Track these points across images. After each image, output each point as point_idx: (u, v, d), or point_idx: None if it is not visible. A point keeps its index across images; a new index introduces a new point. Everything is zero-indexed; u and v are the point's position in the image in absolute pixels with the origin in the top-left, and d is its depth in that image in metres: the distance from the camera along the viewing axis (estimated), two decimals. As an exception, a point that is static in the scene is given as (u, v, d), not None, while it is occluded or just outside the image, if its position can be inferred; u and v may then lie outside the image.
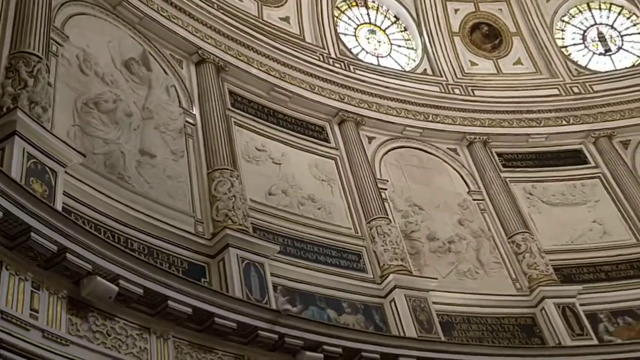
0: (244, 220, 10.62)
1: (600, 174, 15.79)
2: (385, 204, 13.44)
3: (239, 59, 13.46)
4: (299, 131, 13.70)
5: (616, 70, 17.97)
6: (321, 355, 9.31)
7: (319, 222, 12.19)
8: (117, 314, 7.87)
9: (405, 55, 17.74)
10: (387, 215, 13.08)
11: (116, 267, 7.74)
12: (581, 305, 12.85)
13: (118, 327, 7.85)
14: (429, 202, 14.18)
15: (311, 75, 14.51)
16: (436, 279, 12.37)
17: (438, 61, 17.28)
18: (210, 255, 10.01)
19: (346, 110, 14.53)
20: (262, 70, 13.70)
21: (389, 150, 14.87)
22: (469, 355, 10.77)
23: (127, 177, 9.79)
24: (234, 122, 12.65)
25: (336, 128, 14.34)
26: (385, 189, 13.87)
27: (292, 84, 14.04)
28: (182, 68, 12.60)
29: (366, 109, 14.90)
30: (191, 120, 11.81)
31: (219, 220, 10.43)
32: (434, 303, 11.87)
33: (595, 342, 12.22)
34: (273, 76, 13.81)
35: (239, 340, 8.87)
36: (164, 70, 12.14)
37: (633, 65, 18.02)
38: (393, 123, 15.16)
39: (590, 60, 18.49)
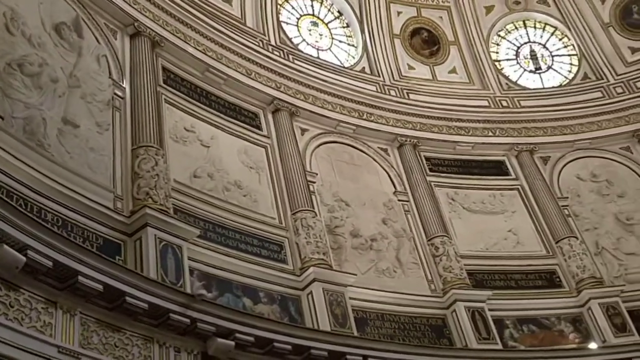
0: (166, 200, 10.39)
1: (519, 186, 16.40)
2: (313, 197, 13.45)
3: (176, 36, 13.13)
4: (231, 115, 13.51)
5: (544, 88, 18.71)
6: (232, 343, 9.24)
7: (243, 210, 12.06)
8: (23, 286, 7.53)
9: (346, 51, 17.83)
10: (313, 208, 13.10)
11: (25, 236, 7.42)
12: (490, 310, 13.29)
13: (22, 299, 7.50)
14: (355, 199, 14.31)
15: (249, 60, 14.32)
16: (355, 275, 12.50)
17: (377, 61, 17.47)
18: (127, 234, 9.74)
19: (281, 99, 14.44)
20: (198, 50, 13.41)
21: (321, 144, 14.90)
22: (380, 352, 10.93)
23: (46, 145, 9.39)
24: (165, 99, 12.34)
25: (270, 116, 14.23)
26: (314, 182, 13.90)
27: (228, 66, 13.81)
28: (115, 39, 12.17)
29: (302, 100, 14.86)
30: (120, 93, 11.44)
31: (139, 198, 10.16)
32: (350, 298, 11.99)
33: (499, 346, 12.68)
34: (209, 57, 13.55)
35: (149, 321, 8.67)
36: (96, 38, 11.69)
37: (560, 85, 18.81)
38: (327, 117, 15.19)
39: (520, 76, 19.16)
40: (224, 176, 12.23)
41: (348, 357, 10.54)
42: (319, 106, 15.12)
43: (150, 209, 9.84)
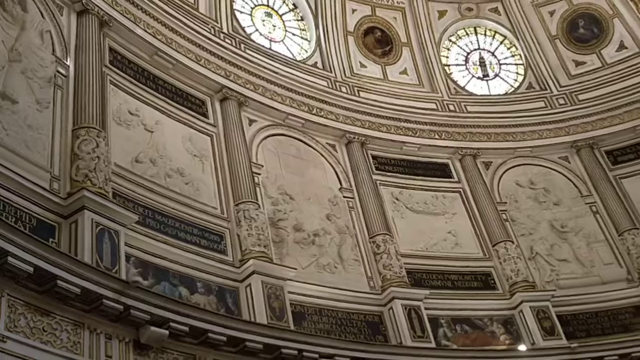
0: (105, 184, 10.12)
1: (461, 189, 16.73)
2: (257, 189, 13.37)
3: (125, 16, 12.77)
4: (177, 101, 13.26)
5: (490, 95, 19.13)
6: (166, 332, 9.11)
7: (185, 198, 11.87)
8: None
9: (299, 44, 17.77)
10: (257, 200, 13.01)
11: (-49, 213, 7.12)
12: (426, 309, 13.50)
13: (-55, 279, 7.22)
14: (300, 193, 14.29)
15: (199, 46, 14.08)
16: (295, 269, 12.47)
17: (329, 57, 17.49)
18: (63, 215, 9.44)
19: (230, 88, 14.26)
20: (148, 32, 13.09)
21: (268, 136, 14.80)
22: (316, 346, 10.96)
23: (-19, 119, 9.01)
24: (110, 80, 12.02)
25: (217, 104, 14.04)
26: (259, 174, 13.80)
27: (177, 51, 13.55)
28: (62, 15, 11.75)
29: (251, 90, 14.71)
30: (63, 71, 11.05)
31: (77, 180, 9.87)
32: (289, 292, 11.98)
33: (433, 345, 12.90)
34: (159, 40, 13.26)
35: (80, 306, 8.45)
36: (41, 13, 11.24)
37: (505, 93, 19.27)
38: (276, 109, 15.10)
39: (468, 82, 19.53)
40: (167, 163, 12.01)
41: (283, 350, 10.54)
42: (268, 97, 15.02)
43: (89, 191, 9.57)
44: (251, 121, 14.62)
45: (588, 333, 14.67)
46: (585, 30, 19.51)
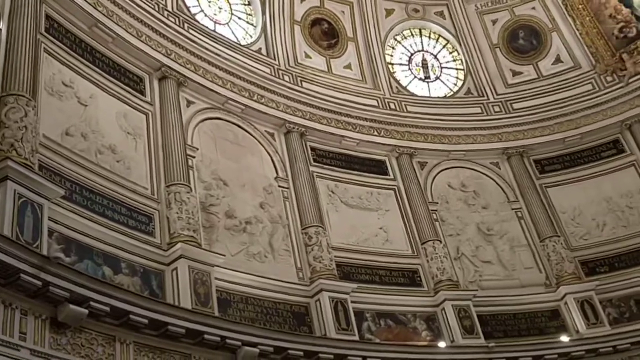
0: (31, 155, 9.69)
1: (396, 187, 16.97)
2: (190, 171, 13.13)
3: (65, -16, 12.30)
4: (114, 76, 12.85)
5: (430, 97, 19.46)
6: (85, 311, 8.84)
7: (115, 175, 11.54)
8: None
9: (244, 29, 17.55)
10: (189, 183, 12.79)
11: None
12: (352, 302, 13.64)
13: None
14: (235, 180, 14.13)
15: (141, 21, 13.67)
16: (224, 255, 12.34)
17: (274, 44, 17.35)
18: (-17, 185, 9.01)
19: (170, 67, 13.93)
20: (88, 2, 12.59)
21: (206, 119, 14.56)
22: (239, 334, 10.89)
23: None
24: (45, 48, 11.51)
25: (155, 83, 13.69)
26: (194, 157, 13.57)
27: (118, 25, 13.12)
28: (-4, -22, 11.18)
29: (192, 71, 14.41)
30: (-6, 35, 10.54)
31: (2, 149, 9.42)
32: (216, 279, 11.85)
33: (356, 338, 13.03)
34: (99, 12, 12.79)
35: (-5, 280, 8.10)
36: (-29, -28, 10.69)
37: (445, 97, 19.65)
38: (216, 92, 14.86)
39: (410, 82, 19.79)
40: (99, 138, 11.64)
41: (206, 336, 10.44)
42: (208, 80, 14.75)
43: (13, 161, 9.16)
44: (189, 102, 14.35)
45: (505, 334, 15.19)
46: (524, 42, 20.11)
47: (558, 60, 19.73)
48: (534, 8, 20.15)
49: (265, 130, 15.74)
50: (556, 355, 14.39)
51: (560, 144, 18.42)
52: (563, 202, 17.68)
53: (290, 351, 11.57)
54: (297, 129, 16.07)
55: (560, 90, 19.12)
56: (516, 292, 16.01)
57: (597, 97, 18.58)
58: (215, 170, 13.87)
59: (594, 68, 19.02)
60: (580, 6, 19.33)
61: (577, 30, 19.39)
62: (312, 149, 16.38)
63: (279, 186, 15.05)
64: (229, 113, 15.14)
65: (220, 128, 14.80)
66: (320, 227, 14.59)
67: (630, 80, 18.29)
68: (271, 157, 15.43)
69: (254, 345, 11.04)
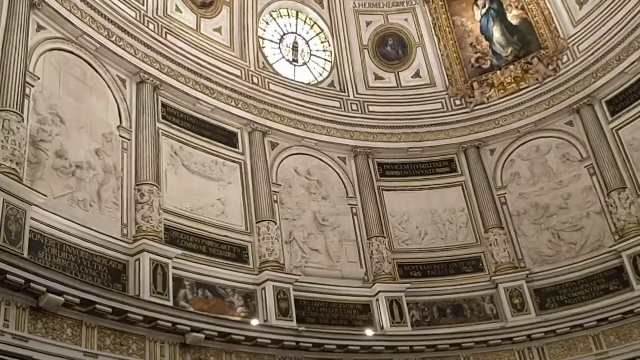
0: None
1: (242, 161, 16.84)
2: (26, 100, 12.10)
3: None
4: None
5: (294, 81, 19.53)
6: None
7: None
8: None
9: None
10: (22, 112, 11.75)
11: None
12: (174, 268, 13.38)
13: None
14: (73, 119, 13.22)
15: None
16: (46, 196, 11.49)
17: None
18: None
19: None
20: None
21: (55, 49, 13.48)
22: (45, 280, 10.24)
23: None
24: None
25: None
26: (32, 86, 12.51)
27: None
28: None
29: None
30: None
31: None
32: (32, 219, 11.06)
33: (170, 304, 12.76)
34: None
35: None
36: None
37: (309, 84, 19.84)
38: (72, 24, 13.71)
39: (278, 61, 19.76)
40: None
41: (9, 277, 9.79)
42: (66, 9, 13.56)
43: None
44: (40, 28, 13.22)
45: (317, 320, 15.70)
46: (392, 50, 20.91)
47: (418, 75, 20.75)
48: (406, 20, 21.04)
49: (118, 75, 14.90)
50: (359, 347, 15.16)
51: (404, 152, 19.40)
52: (395, 206, 18.66)
53: (98, 306, 11.10)
54: (152, 81, 15.35)
55: (414, 104, 20.14)
56: (336, 282, 16.62)
57: (443, 116, 19.81)
58: (54, 106, 12.88)
59: (447, 90, 20.25)
60: (447, 29, 20.49)
61: (440, 51, 20.52)
62: (164, 105, 15.77)
63: (120, 136, 14.32)
64: (82, 49, 14.14)
65: (70, 62, 13.77)
66: (156, 186, 14.10)
67: (475, 108, 19.71)
68: (118, 104, 14.64)
69: (60, 294, 10.46)
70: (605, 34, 17.79)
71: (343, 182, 18.60)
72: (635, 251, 15.94)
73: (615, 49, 17.40)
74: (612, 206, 16.85)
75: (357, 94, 20.08)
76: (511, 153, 19.26)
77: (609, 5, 17.91)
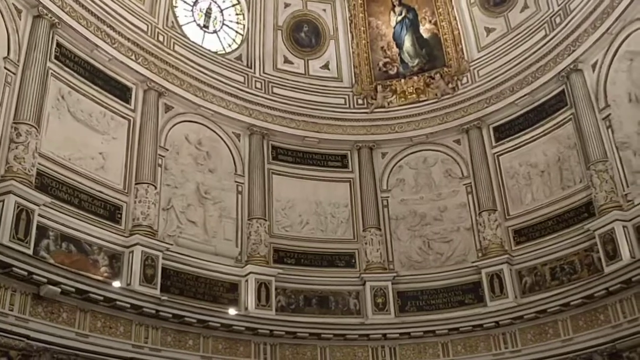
0: None
1: (132, 118, 16.16)
2: None
3: None
4: None
5: (201, 46, 18.97)
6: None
7: None
8: None
9: None
10: None
11: None
12: (40, 216, 12.73)
13: None
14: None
15: None
16: None
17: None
18: None
19: None
20: None
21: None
22: None
23: None
24: None
25: None
26: None
27: None
28: None
29: None
30: None
31: None
32: None
33: (29, 252, 12.04)
34: None
35: None
36: None
37: (216, 52, 19.37)
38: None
39: (187, 24, 19.16)
40: None
41: None
42: None
43: None
44: None
45: (182, 292, 15.44)
46: (305, 36, 20.91)
47: (326, 66, 20.91)
48: (324, 10, 21.12)
49: (14, 4, 13.85)
50: (219, 325, 15.16)
51: (300, 140, 19.51)
52: (282, 191, 18.74)
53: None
54: (50, 17, 14.36)
55: (318, 94, 20.27)
56: (208, 257, 16.43)
57: (344, 112, 20.12)
58: None
59: (352, 87, 20.55)
60: (362, 28, 20.78)
61: (352, 48, 20.77)
62: (59, 45, 14.82)
63: (5, 67, 13.36)
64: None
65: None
66: (35, 127, 13.28)
67: (375, 110, 20.17)
68: (8, 35, 13.62)
69: None
70: (504, 64, 18.79)
71: (233, 158, 18.40)
72: (494, 270, 17.02)
73: (510, 80, 18.43)
74: (480, 225, 17.88)
75: (264, 72, 19.92)
76: (401, 159, 19.90)
77: (512, 38, 18.93)
